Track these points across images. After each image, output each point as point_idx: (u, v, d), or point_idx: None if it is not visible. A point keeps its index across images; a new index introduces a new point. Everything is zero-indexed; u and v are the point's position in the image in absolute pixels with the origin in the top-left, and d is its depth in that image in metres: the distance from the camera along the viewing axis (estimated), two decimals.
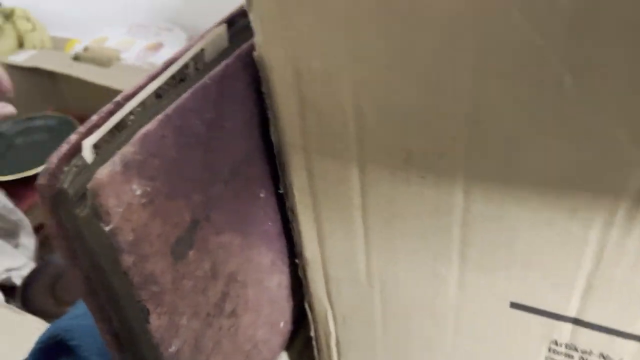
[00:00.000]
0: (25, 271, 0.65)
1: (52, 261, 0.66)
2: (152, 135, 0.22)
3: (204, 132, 0.25)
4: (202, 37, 0.28)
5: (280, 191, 0.31)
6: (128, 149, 0.21)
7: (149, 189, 0.23)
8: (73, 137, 0.22)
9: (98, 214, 0.21)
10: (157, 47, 0.86)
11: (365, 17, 0.22)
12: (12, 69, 0.80)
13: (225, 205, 0.27)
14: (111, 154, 0.23)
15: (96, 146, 0.23)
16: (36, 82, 0.81)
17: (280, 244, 0.34)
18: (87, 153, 0.23)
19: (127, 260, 0.22)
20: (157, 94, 0.26)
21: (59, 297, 0.65)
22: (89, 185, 0.21)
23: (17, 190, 0.68)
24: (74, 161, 0.22)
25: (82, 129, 0.23)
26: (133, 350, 0.27)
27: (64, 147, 0.22)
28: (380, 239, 0.29)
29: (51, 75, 0.81)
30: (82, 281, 0.25)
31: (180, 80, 0.27)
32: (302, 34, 0.24)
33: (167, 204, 0.24)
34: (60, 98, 0.83)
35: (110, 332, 0.26)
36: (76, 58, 0.79)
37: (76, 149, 0.22)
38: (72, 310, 0.44)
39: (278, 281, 0.35)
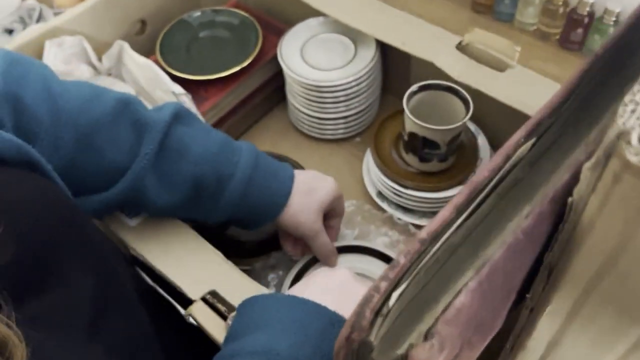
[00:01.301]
0: None
1: None
2: (465, 308, 0.21)
3: (502, 280, 0.24)
4: (506, 155, 0.25)
5: (528, 295, 0.30)
6: (446, 330, 0.21)
7: (447, 352, 0.22)
8: (382, 285, 0.22)
9: None
10: None
11: None
12: None
13: (487, 322, 0.27)
14: (405, 301, 0.23)
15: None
16: None
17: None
18: (393, 302, 0.22)
19: None
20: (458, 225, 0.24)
21: None
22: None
23: (197, 90, 0.69)
24: (379, 308, 0.22)
25: (390, 273, 0.22)
26: None
27: (375, 298, 0.22)
28: None
29: None
30: None
31: (479, 203, 0.25)
32: None
33: (452, 350, 0.24)
34: None
35: None
36: None
37: (383, 296, 0.22)
38: (247, 341, 0.39)
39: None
